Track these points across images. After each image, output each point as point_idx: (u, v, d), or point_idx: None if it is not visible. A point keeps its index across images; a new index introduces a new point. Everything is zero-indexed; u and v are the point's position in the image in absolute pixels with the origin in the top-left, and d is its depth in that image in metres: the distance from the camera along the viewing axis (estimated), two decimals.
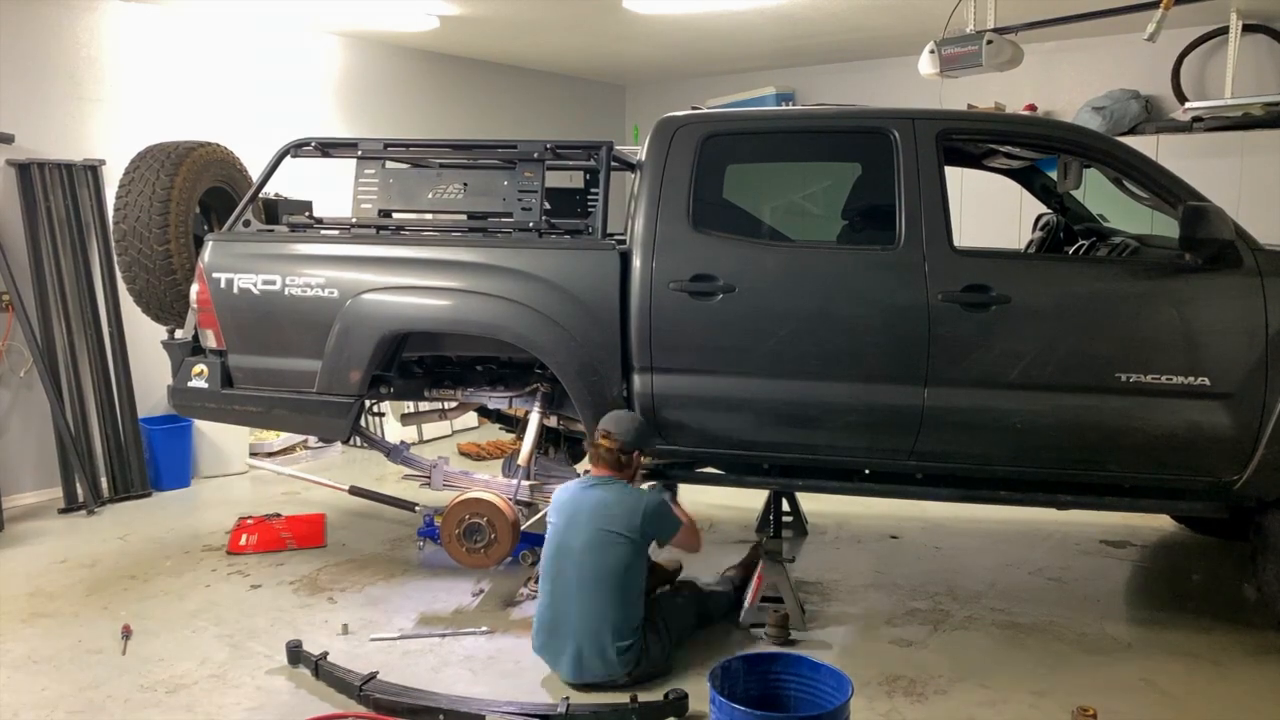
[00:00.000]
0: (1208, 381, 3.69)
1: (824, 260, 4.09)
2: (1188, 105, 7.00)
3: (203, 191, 5.00)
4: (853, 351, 3.92)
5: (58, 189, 5.95)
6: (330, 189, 5.92)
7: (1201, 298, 3.75)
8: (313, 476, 5.23)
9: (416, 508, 4.81)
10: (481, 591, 4.48)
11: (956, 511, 5.63)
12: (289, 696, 3.56)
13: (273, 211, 5.67)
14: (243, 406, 4.38)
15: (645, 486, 3.97)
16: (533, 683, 3.66)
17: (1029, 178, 5.09)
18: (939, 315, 3.81)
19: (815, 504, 5.44)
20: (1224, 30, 6.93)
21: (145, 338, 5.93)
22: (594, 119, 9.89)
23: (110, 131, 6.25)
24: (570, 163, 4.71)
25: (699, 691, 3.31)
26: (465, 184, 4.34)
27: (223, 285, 4.29)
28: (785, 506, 5.18)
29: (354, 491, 4.81)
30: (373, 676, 3.53)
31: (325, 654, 3.71)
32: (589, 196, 5.04)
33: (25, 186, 5.84)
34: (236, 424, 4.99)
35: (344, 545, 5.21)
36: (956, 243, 3.90)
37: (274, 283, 4.24)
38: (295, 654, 3.73)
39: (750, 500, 5.42)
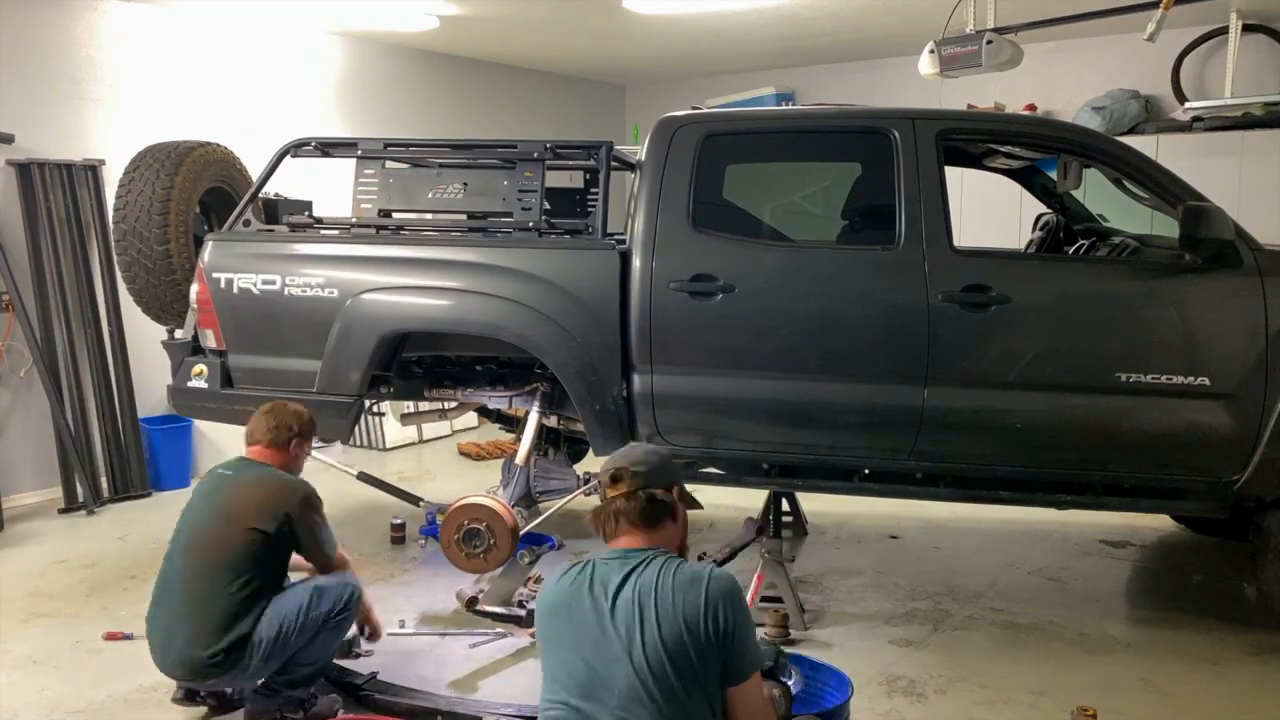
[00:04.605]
0: (1207, 381, 3.69)
1: (824, 260, 4.09)
2: (1188, 105, 7.00)
3: (203, 191, 4.99)
4: (853, 351, 3.92)
5: (58, 189, 5.95)
6: (330, 188, 5.92)
7: (1201, 298, 3.75)
8: (322, 457, 5.23)
9: (421, 502, 4.81)
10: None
11: (956, 511, 5.63)
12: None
13: (273, 211, 5.67)
14: (242, 406, 4.36)
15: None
16: (533, 683, 3.66)
17: (1029, 178, 5.09)
18: (939, 315, 3.81)
19: (815, 504, 5.44)
20: (1224, 30, 6.93)
21: (145, 338, 5.92)
22: (594, 119, 9.88)
23: (110, 131, 6.25)
24: (570, 163, 4.71)
25: None
26: (465, 184, 4.34)
27: (222, 285, 4.28)
28: (785, 506, 5.18)
29: (361, 478, 4.81)
30: (373, 676, 3.53)
31: None
32: (589, 196, 5.03)
33: (25, 186, 5.84)
34: (236, 424, 4.99)
35: (344, 545, 5.18)
36: (956, 243, 3.90)
37: (274, 282, 4.23)
38: None
39: (750, 500, 5.41)
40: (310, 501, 3.35)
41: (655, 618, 2.23)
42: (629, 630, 2.24)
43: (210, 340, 4.35)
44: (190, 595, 3.17)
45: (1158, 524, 5.50)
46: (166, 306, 4.85)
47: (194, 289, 4.37)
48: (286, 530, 3.24)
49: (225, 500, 3.28)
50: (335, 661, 3.69)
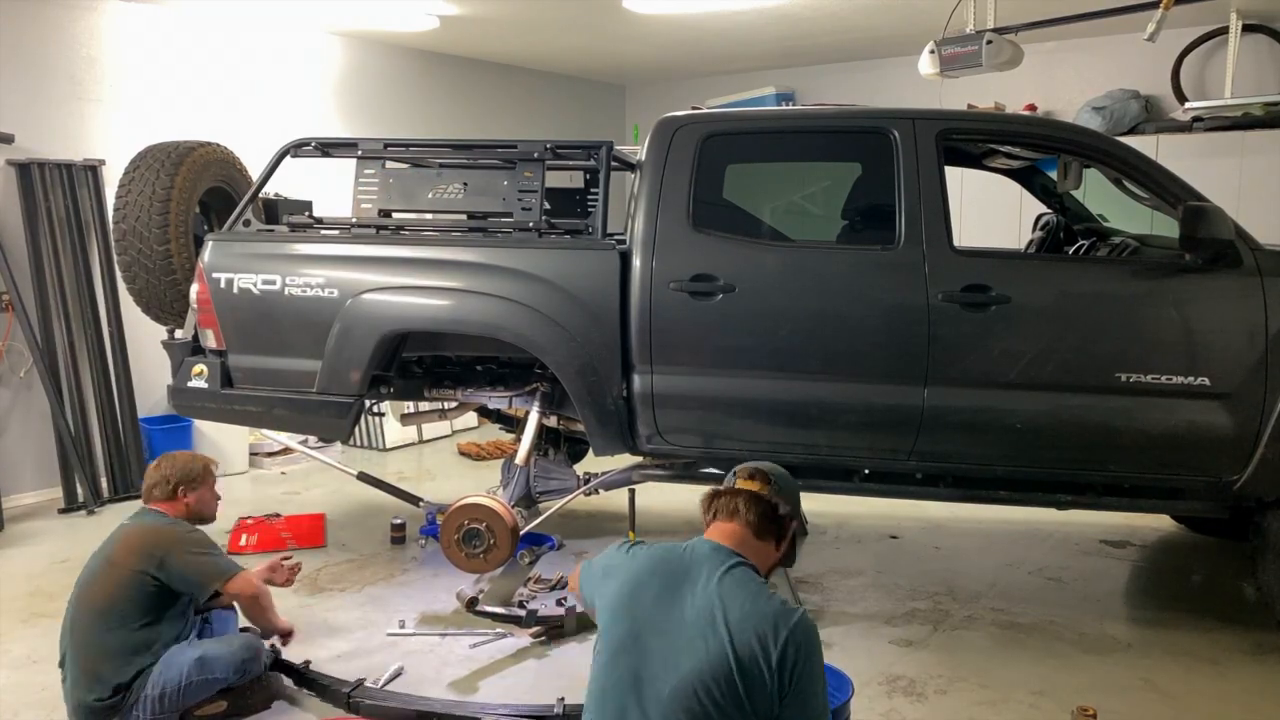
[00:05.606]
0: (1208, 381, 3.69)
1: (824, 260, 4.09)
2: (1188, 105, 7.00)
3: (203, 191, 4.99)
4: (853, 351, 3.92)
5: (58, 189, 5.95)
6: (330, 188, 5.93)
7: (1201, 298, 3.75)
8: (322, 457, 5.24)
9: (421, 502, 4.82)
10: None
11: (956, 511, 5.63)
12: (289, 695, 3.56)
13: (273, 211, 5.67)
14: (242, 406, 4.38)
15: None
16: (533, 684, 3.66)
17: (1029, 178, 5.09)
18: (939, 315, 3.81)
19: (815, 504, 5.43)
20: (1224, 30, 6.93)
21: (145, 338, 5.93)
22: (594, 119, 9.88)
23: (110, 131, 6.25)
24: (570, 163, 4.71)
25: None
26: (465, 184, 4.34)
27: (222, 285, 4.28)
28: None
29: (361, 478, 4.82)
30: (360, 684, 3.48)
31: (307, 662, 3.65)
32: (589, 196, 5.04)
33: (25, 186, 5.84)
34: (236, 424, 5.00)
35: (344, 545, 5.21)
36: (956, 243, 3.90)
37: (274, 282, 4.24)
38: (276, 663, 3.60)
39: None
40: (188, 538, 3.34)
41: (727, 633, 2.16)
42: (692, 636, 2.17)
43: (210, 340, 4.35)
44: (77, 642, 3.23)
45: (1158, 524, 5.50)
46: (166, 306, 4.85)
47: (194, 289, 4.37)
48: (164, 571, 3.23)
49: (112, 549, 3.31)
50: (315, 670, 3.64)
